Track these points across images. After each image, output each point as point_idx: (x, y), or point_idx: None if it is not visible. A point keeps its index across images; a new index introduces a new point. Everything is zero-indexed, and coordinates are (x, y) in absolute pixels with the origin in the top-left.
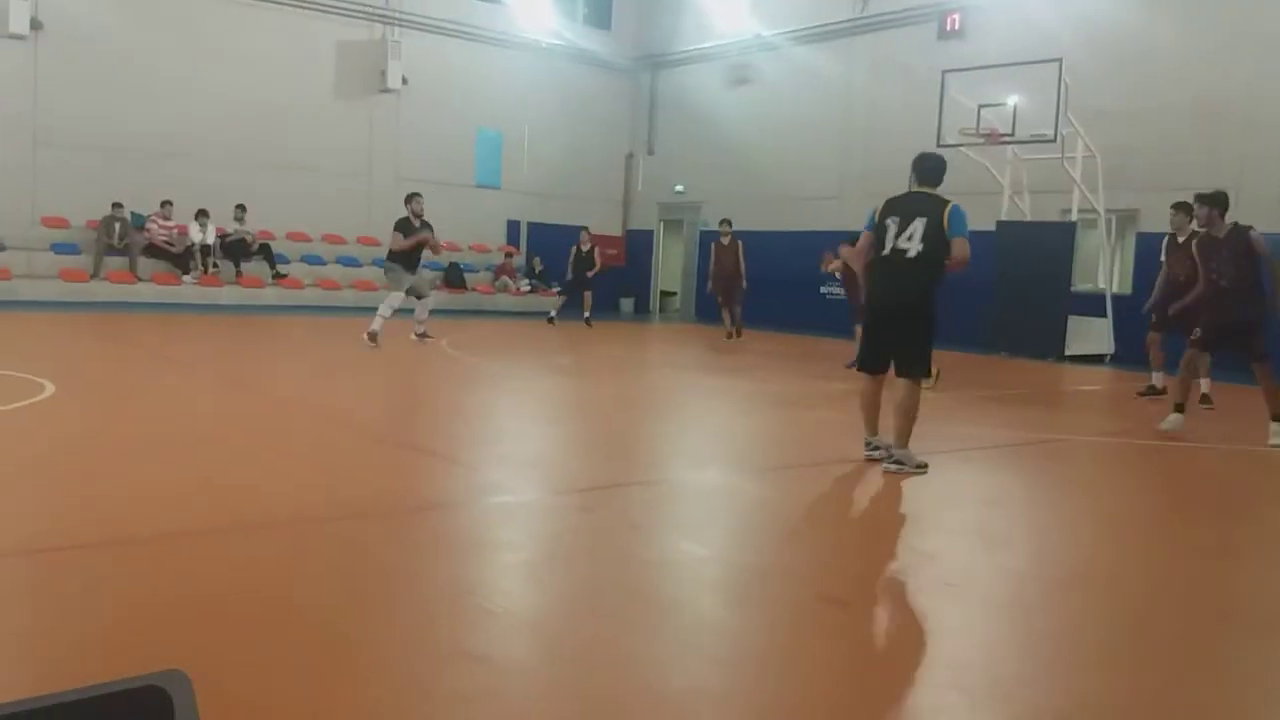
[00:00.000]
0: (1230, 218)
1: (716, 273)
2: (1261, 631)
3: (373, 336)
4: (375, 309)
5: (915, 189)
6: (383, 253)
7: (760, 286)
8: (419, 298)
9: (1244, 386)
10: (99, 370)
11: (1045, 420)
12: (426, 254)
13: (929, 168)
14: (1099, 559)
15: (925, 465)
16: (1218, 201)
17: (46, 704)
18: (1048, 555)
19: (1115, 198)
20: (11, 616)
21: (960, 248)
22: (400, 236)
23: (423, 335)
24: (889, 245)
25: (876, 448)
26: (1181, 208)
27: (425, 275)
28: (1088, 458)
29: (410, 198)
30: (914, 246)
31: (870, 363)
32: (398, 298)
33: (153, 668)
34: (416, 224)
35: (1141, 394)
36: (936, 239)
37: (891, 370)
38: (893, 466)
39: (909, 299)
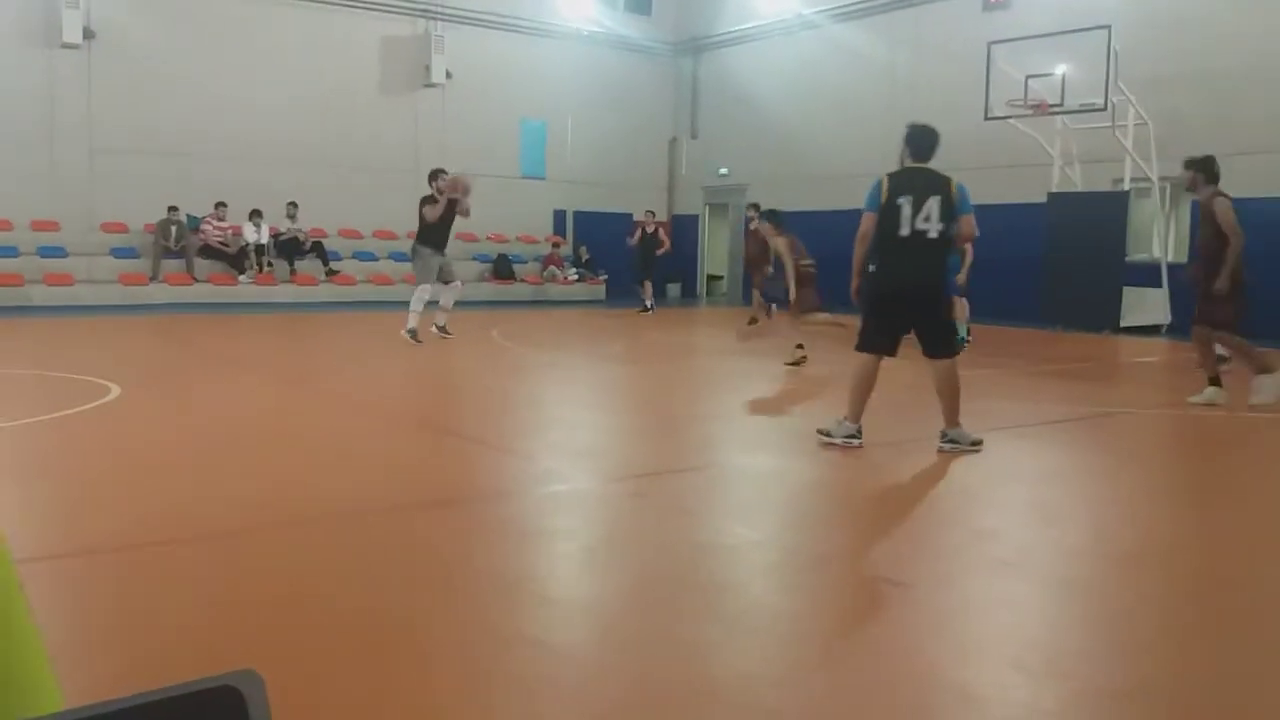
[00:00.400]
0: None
1: (745, 257)
2: None
3: (413, 335)
4: (431, 304)
5: (913, 165)
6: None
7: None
8: (446, 282)
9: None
10: (161, 371)
11: (1101, 394)
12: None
13: (929, 143)
14: (1158, 535)
15: (980, 442)
16: (1202, 166)
17: (118, 708)
18: (1106, 531)
19: (1169, 166)
20: (91, 614)
21: (969, 225)
22: (429, 210)
23: (443, 329)
24: (908, 227)
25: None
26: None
27: (452, 258)
28: (1145, 431)
29: (435, 174)
30: (934, 227)
31: (884, 346)
32: (426, 289)
33: (224, 661)
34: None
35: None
36: (950, 218)
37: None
38: (948, 446)
39: (933, 280)
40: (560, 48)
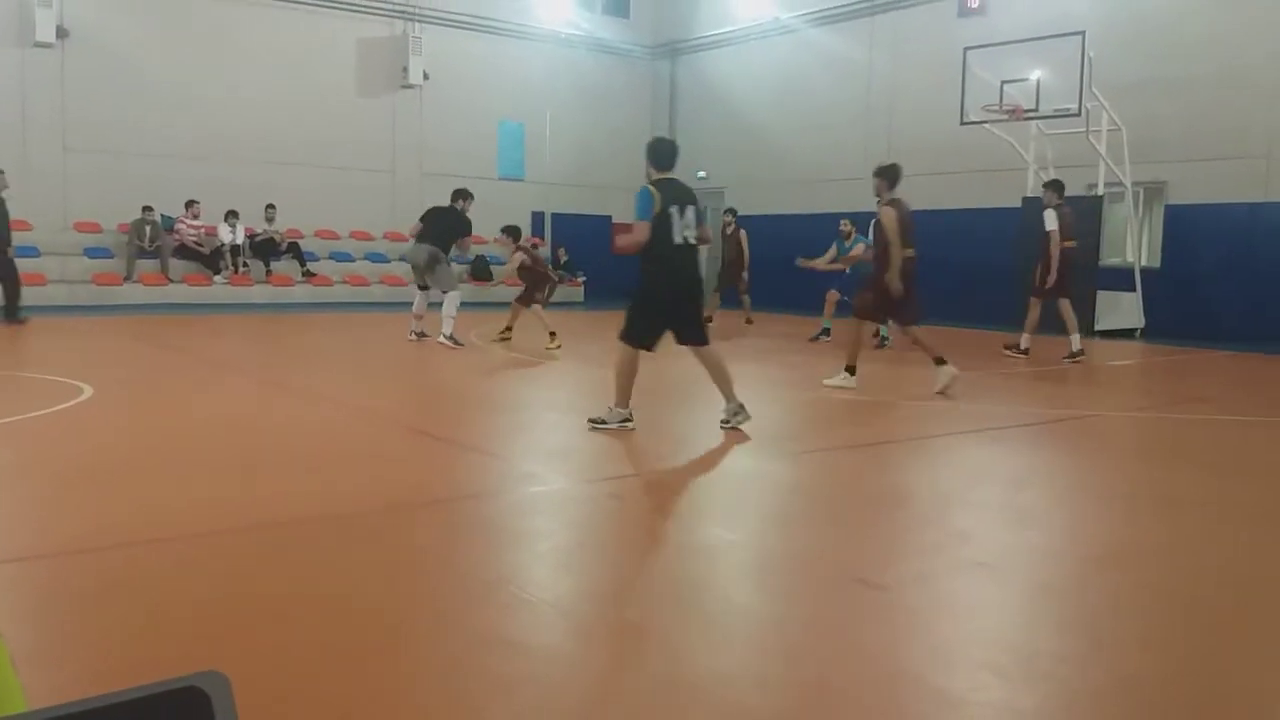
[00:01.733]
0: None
1: (723, 259)
2: None
3: (454, 340)
4: (407, 306)
5: (667, 176)
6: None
7: (785, 268)
8: (445, 291)
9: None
10: (135, 372)
11: (1076, 396)
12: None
13: (672, 153)
14: (1132, 535)
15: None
16: (885, 174)
17: (81, 709)
18: (1081, 532)
19: (1142, 170)
20: (57, 617)
21: (706, 231)
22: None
23: (422, 334)
24: (680, 235)
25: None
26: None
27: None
28: (1118, 433)
29: (466, 195)
30: (693, 233)
31: (652, 342)
32: (459, 294)
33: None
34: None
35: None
36: (699, 224)
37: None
38: (734, 420)
39: (699, 281)
40: (538, 50)
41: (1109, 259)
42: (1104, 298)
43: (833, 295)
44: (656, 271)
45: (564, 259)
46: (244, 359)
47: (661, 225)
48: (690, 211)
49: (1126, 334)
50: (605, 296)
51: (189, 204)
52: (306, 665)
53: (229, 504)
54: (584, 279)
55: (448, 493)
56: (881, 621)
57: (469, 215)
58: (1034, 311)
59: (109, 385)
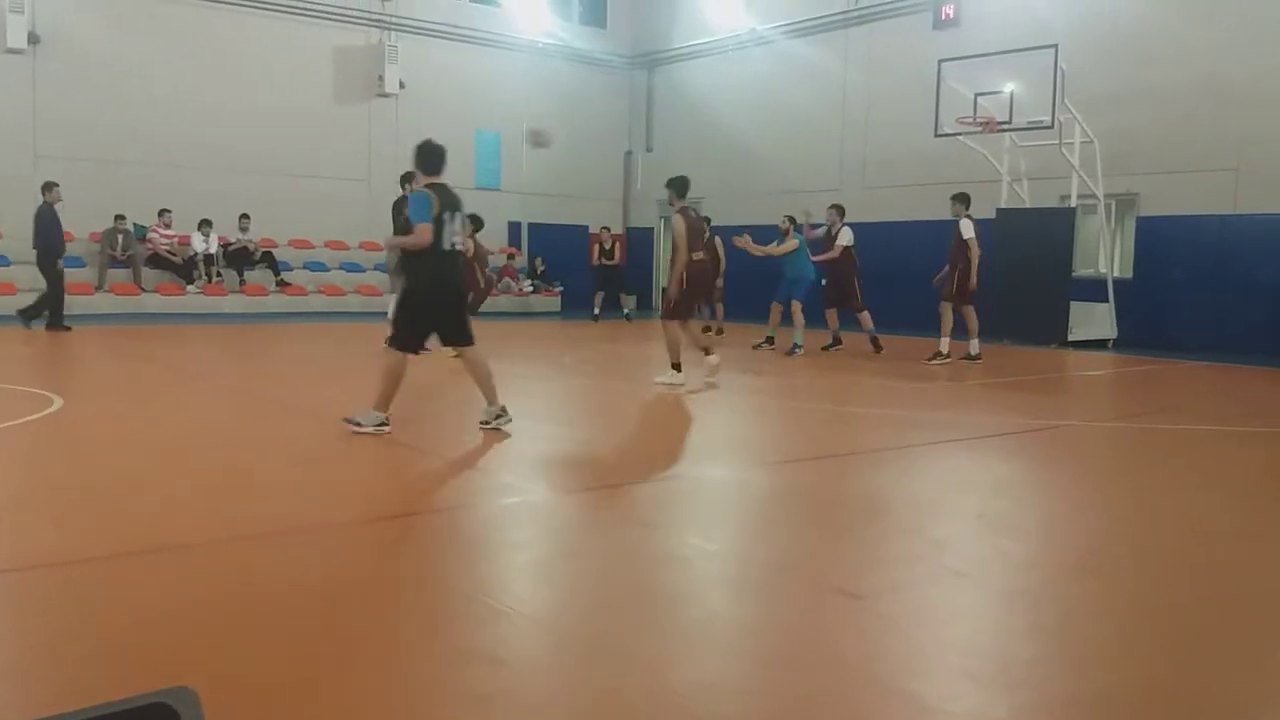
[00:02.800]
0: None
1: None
2: (1274, 615)
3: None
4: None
5: (439, 181)
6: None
7: (758, 278)
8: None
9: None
10: (105, 382)
11: (1050, 406)
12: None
13: (440, 158)
14: (1108, 544)
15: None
16: (674, 185)
17: None
18: (1057, 541)
19: (1114, 182)
20: (21, 632)
21: (424, 232)
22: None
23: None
24: (449, 241)
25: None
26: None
27: None
28: (1093, 443)
29: (410, 177)
30: (458, 240)
31: (418, 345)
32: None
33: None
34: None
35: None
36: (462, 229)
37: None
38: (495, 422)
39: (462, 284)
40: (516, 59)
41: (1082, 270)
42: (1077, 309)
43: (796, 305)
44: (422, 275)
45: (540, 269)
46: (216, 370)
47: (435, 230)
48: (458, 218)
49: (1099, 345)
50: (583, 306)
51: (162, 213)
52: (279, 680)
53: (199, 517)
54: (561, 289)
55: (423, 505)
56: (859, 630)
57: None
58: (948, 317)
59: (79, 396)
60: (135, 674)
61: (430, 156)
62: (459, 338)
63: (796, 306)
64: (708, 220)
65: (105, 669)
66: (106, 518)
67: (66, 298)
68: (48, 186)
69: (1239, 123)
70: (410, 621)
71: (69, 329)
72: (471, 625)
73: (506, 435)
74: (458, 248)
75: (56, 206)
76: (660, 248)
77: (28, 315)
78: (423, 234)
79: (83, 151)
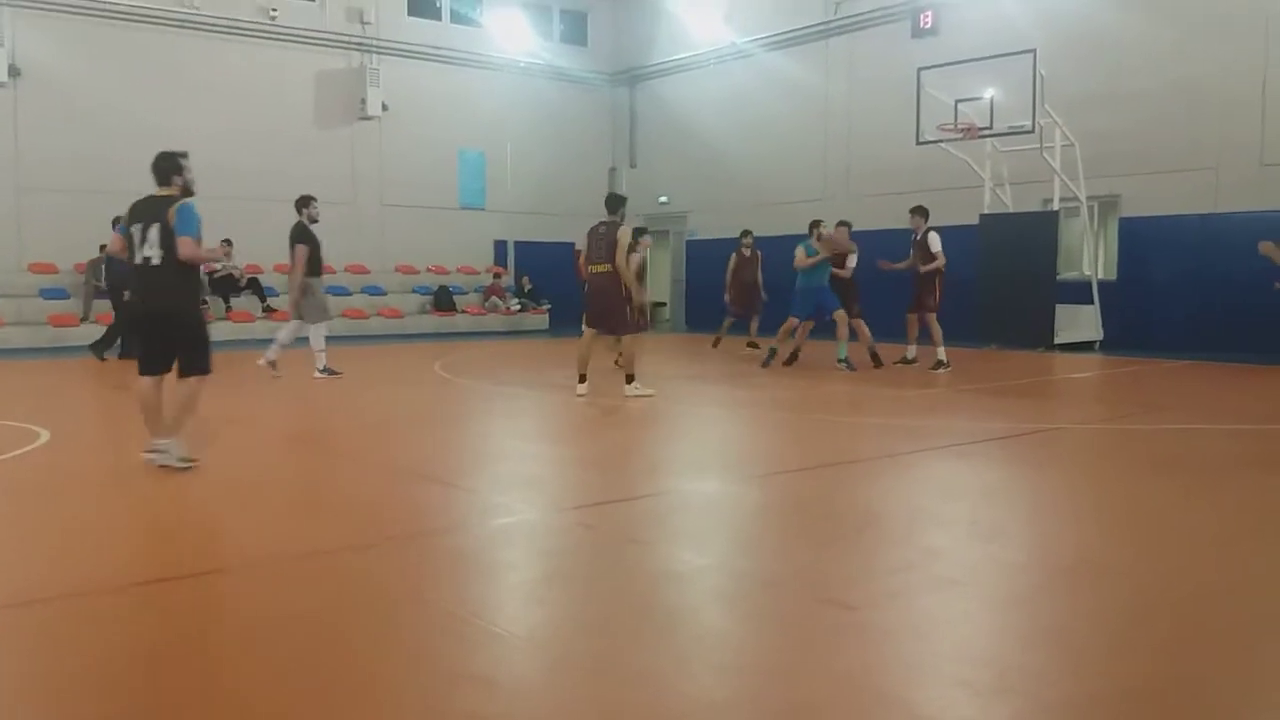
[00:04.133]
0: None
1: (736, 283)
2: (1269, 614)
3: (329, 372)
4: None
5: (153, 193)
6: (374, 279)
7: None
8: (303, 319)
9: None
10: (94, 415)
11: (1038, 410)
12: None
13: (164, 166)
14: (1100, 548)
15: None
16: (611, 202)
17: None
18: (1049, 546)
19: (1096, 185)
20: (7, 669)
21: (185, 246)
22: (310, 249)
23: (274, 364)
24: (139, 253)
25: (160, 450)
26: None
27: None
28: (1082, 445)
29: (306, 201)
30: (155, 253)
31: (156, 367)
32: (326, 325)
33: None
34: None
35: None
36: (171, 243)
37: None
38: (160, 459)
39: (165, 304)
40: (497, 79)
41: (1066, 273)
42: (1062, 311)
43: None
44: (131, 291)
45: (528, 287)
46: (205, 399)
47: (131, 243)
48: (153, 230)
49: (1085, 347)
50: (572, 324)
51: (102, 247)
52: (272, 707)
53: (187, 547)
54: (549, 307)
55: (416, 527)
56: (853, 641)
57: (315, 221)
58: (914, 327)
59: (68, 430)
60: (116, 708)
61: (153, 166)
62: (183, 365)
63: (842, 316)
64: (749, 233)
65: (85, 703)
66: (89, 551)
67: (52, 330)
68: (117, 221)
69: (1216, 123)
70: (403, 646)
71: (104, 360)
72: (466, 648)
73: (177, 469)
74: (152, 262)
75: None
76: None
77: (99, 348)
78: (113, 243)
79: (65, 183)
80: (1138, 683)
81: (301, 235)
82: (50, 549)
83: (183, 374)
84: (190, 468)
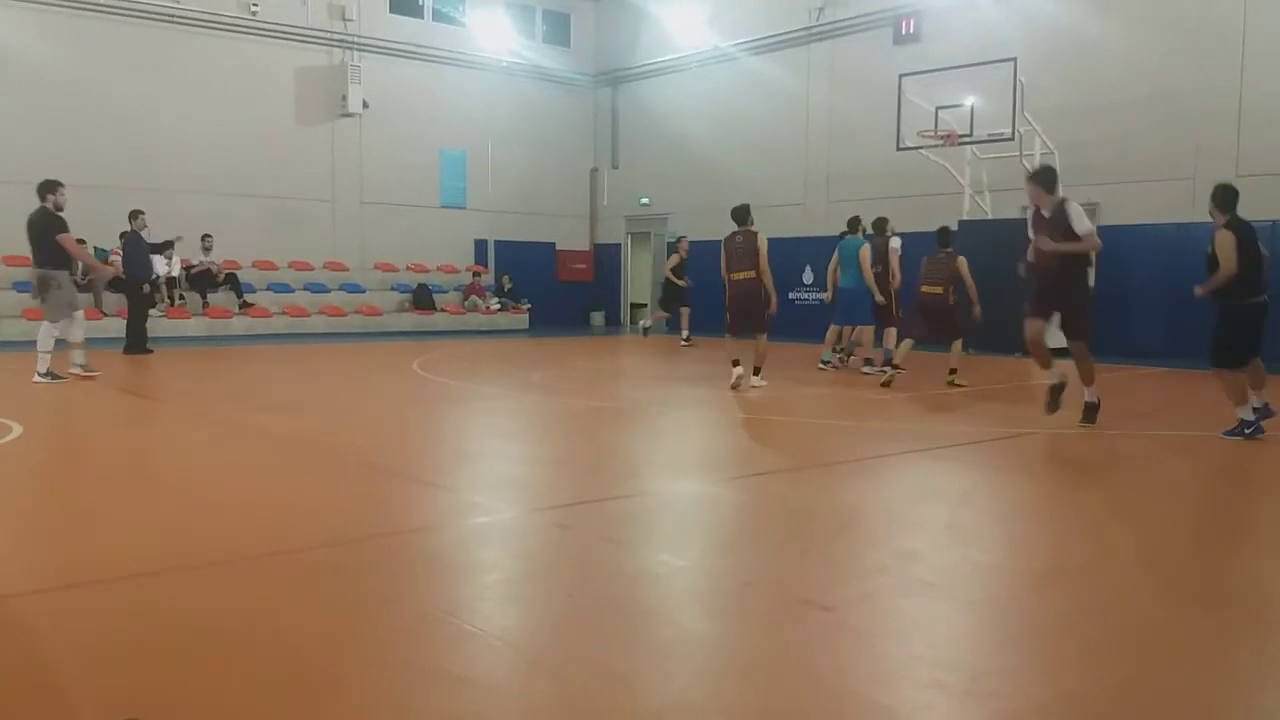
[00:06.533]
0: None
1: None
2: (1239, 617)
3: (52, 376)
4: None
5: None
6: (353, 277)
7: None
8: (76, 309)
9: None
10: (67, 408)
11: (1015, 415)
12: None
13: None
14: (1075, 551)
15: None
16: (740, 213)
17: None
18: (1025, 549)
19: (1075, 192)
20: None
21: None
22: (68, 238)
23: (86, 368)
24: None
25: None
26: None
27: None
28: (1057, 450)
29: (53, 187)
30: None
31: None
32: (68, 323)
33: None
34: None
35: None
36: None
37: None
38: None
39: None
40: (480, 78)
41: None
42: None
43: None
44: None
45: (507, 286)
46: (180, 394)
47: None
48: None
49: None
50: (552, 324)
51: (122, 235)
52: (244, 707)
53: (162, 543)
54: (529, 306)
55: (391, 526)
56: (829, 642)
57: (61, 210)
58: (882, 333)
59: (40, 423)
60: (85, 705)
61: None
62: None
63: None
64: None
65: (56, 699)
66: (62, 547)
67: (26, 323)
68: (134, 215)
69: (1193, 132)
70: (377, 644)
71: (150, 351)
72: (440, 646)
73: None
74: None
75: (143, 233)
76: (627, 263)
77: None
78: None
79: (41, 174)
80: (1112, 684)
81: (58, 224)
82: (11, 543)
83: None
84: None
